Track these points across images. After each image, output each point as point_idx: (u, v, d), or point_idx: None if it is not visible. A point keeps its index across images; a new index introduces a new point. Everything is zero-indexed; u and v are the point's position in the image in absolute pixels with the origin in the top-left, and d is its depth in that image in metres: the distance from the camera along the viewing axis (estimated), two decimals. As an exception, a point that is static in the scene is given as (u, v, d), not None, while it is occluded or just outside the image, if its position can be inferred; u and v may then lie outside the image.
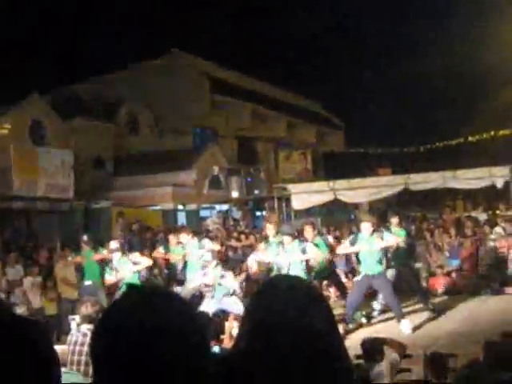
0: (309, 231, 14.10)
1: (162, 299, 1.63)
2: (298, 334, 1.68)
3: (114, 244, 13.59)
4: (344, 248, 13.73)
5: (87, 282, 14.71)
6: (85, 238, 15.18)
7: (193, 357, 1.56)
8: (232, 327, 11.99)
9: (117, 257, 13.26)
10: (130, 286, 1.68)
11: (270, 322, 1.70)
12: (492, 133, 30.74)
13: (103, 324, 1.60)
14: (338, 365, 1.73)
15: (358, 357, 8.69)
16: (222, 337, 12.10)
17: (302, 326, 1.69)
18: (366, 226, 12.78)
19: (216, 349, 10.55)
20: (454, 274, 17.30)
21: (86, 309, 8.52)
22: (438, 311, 13.47)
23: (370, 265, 12.66)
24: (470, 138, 31.73)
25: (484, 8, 32.34)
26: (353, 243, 13.00)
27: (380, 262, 12.63)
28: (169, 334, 1.54)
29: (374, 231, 12.73)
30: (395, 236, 13.34)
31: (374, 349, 8.24)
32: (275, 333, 1.68)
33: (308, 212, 26.01)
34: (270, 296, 1.78)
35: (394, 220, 14.80)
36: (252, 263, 15.52)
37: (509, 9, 28.01)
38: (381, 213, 30.24)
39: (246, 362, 1.69)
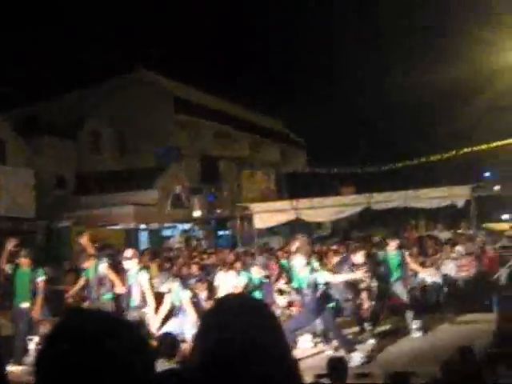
0: None
1: (108, 319, 1.63)
2: (249, 355, 1.68)
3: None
4: None
5: None
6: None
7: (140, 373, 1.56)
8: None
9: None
10: (74, 310, 1.69)
11: (223, 341, 1.70)
12: (453, 152, 31.04)
13: (49, 345, 1.59)
14: None
15: (319, 376, 8.71)
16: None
17: (253, 346, 1.69)
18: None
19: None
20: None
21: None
22: (398, 330, 13.53)
23: None
24: (431, 158, 32.02)
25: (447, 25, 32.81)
26: None
27: None
28: (113, 355, 1.54)
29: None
30: None
31: (339, 368, 8.26)
32: (227, 352, 1.68)
33: (271, 231, 26.06)
34: (223, 316, 1.78)
35: (393, 243, 14.09)
36: (218, 283, 15.25)
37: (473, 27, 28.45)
38: (344, 232, 30.55)
39: (199, 377, 1.69)
